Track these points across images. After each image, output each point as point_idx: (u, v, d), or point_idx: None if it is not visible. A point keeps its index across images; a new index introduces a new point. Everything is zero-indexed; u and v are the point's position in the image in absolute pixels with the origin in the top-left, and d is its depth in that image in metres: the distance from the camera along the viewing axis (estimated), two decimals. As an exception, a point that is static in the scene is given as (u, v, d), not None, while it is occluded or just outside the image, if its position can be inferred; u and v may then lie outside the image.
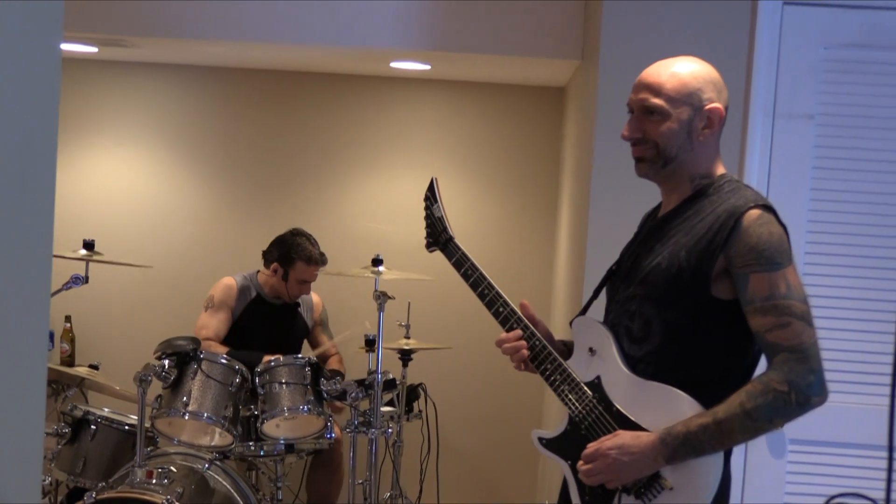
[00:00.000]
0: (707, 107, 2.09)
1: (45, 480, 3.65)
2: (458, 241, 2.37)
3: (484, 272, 2.30)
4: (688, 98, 2.09)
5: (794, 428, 3.06)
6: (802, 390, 1.93)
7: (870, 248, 3.10)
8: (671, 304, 2.06)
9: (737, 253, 1.99)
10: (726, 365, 2.06)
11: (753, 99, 3.12)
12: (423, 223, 2.46)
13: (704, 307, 2.03)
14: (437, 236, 2.42)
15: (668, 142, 2.10)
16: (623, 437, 2.03)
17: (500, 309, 2.25)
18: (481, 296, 2.29)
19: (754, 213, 2.01)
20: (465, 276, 2.32)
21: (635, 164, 2.16)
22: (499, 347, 2.25)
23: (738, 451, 3.07)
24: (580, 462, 2.08)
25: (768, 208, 2.04)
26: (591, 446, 2.07)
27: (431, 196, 2.46)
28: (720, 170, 2.15)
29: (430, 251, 2.46)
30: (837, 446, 3.11)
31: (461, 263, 2.34)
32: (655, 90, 2.10)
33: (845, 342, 3.09)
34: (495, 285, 2.28)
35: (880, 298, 3.09)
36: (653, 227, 2.20)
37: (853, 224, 3.12)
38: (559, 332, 2.39)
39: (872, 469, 3.02)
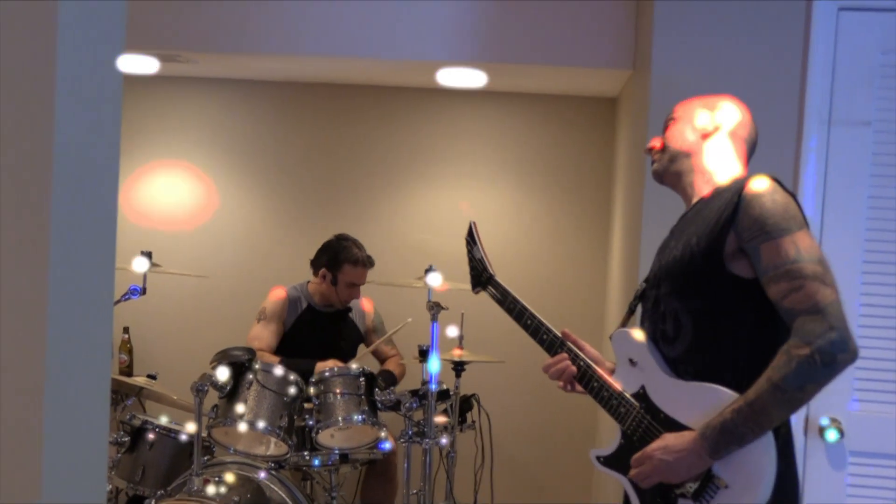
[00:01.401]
0: (717, 111, 2.22)
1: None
2: (498, 277, 2.45)
3: (525, 304, 2.37)
4: (701, 104, 2.25)
5: (856, 440, 3.04)
6: (825, 349, 1.87)
7: (930, 256, 3.05)
8: (692, 292, 2.07)
9: (744, 227, 2.00)
10: (762, 344, 2.03)
11: (808, 106, 3.09)
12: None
13: (725, 289, 2.03)
14: (479, 277, 2.50)
15: (674, 137, 2.25)
16: (667, 438, 2.05)
17: (544, 336, 2.32)
18: (525, 326, 2.36)
19: (755, 184, 2.03)
20: (509, 311, 2.40)
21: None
22: (546, 373, 2.30)
23: (797, 463, 3.05)
24: (631, 469, 2.10)
25: (771, 179, 2.06)
26: (639, 452, 2.09)
27: (471, 240, 2.54)
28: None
29: (476, 293, 2.53)
30: (899, 458, 3.06)
31: (503, 299, 2.41)
32: (679, 106, 2.30)
33: (906, 352, 3.04)
34: (537, 315, 2.35)
35: (942, 307, 3.03)
36: (673, 229, 2.26)
37: (913, 232, 3.06)
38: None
39: (935, 482, 2.96)
